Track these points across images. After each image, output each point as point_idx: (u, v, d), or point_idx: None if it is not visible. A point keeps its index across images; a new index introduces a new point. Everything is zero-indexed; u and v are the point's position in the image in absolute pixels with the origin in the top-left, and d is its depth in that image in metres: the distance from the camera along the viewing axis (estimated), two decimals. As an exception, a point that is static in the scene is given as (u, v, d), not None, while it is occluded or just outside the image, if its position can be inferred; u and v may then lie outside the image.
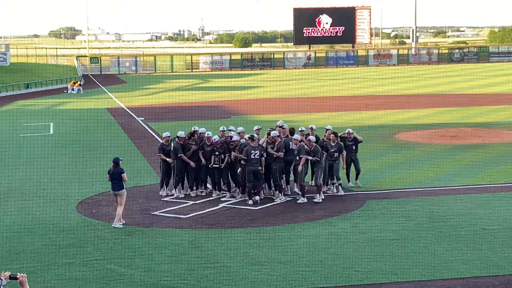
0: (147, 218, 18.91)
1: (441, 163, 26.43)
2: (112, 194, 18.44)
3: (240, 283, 13.78)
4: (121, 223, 18.07)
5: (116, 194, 18.13)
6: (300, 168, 20.32)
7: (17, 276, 7.95)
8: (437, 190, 22.03)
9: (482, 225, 17.64)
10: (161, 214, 19.39)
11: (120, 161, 18.24)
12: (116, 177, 18.03)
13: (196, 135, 21.68)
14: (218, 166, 21.05)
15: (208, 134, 21.59)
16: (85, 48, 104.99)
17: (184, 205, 20.40)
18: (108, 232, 17.55)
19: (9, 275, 8.00)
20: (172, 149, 21.36)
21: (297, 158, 20.44)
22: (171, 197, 21.33)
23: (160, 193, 21.68)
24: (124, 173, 18.12)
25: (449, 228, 17.40)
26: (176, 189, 21.52)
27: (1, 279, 7.86)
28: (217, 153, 21.07)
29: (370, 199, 20.78)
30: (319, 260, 15.06)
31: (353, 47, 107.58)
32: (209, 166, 21.20)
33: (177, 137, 21.42)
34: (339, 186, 21.40)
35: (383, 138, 33.84)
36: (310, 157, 20.40)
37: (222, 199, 20.92)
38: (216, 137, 21.32)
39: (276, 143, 20.74)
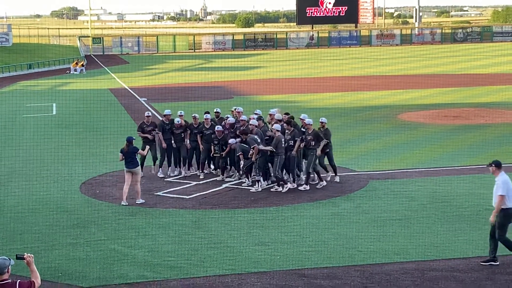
0: (151, 198, 18.96)
1: (444, 143, 26.42)
2: (125, 173, 18.57)
3: (243, 263, 13.82)
4: (125, 203, 18.19)
5: (131, 171, 18.42)
6: (253, 158, 19.59)
7: (24, 256, 7.99)
8: (440, 170, 22.05)
9: (485, 205, 17.58)
10: (164, 194, 19.44)
11: (133, 140, 18.75)
12: (131, 155, 18.49)
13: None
14: (218, 154, 21.03)
15: (206, 116, 21.73)
16: (88, 28, 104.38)
17: (187, 185, 20.44)
18: (111, 213, 17.60)
19: (16, 255, 8.04)
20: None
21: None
22: (178, 176, 21.71)
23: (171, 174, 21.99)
24: (139, 149, 19.12)
25: (452, 208, 17.44)
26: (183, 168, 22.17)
27: (10, 259, 7.88)
28: (216, 142, 21.00)
29: (373, 179, 20.78)
30: (322, 240, 15.10)
31: (356, 27, 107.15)
32: (211, 155, 21.31)
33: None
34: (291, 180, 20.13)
35: (386, 118, 33.82)
36: (264, 148, 19.57)
37: (226, 179, 20.94)
38: (219, 127, 21.02)
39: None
